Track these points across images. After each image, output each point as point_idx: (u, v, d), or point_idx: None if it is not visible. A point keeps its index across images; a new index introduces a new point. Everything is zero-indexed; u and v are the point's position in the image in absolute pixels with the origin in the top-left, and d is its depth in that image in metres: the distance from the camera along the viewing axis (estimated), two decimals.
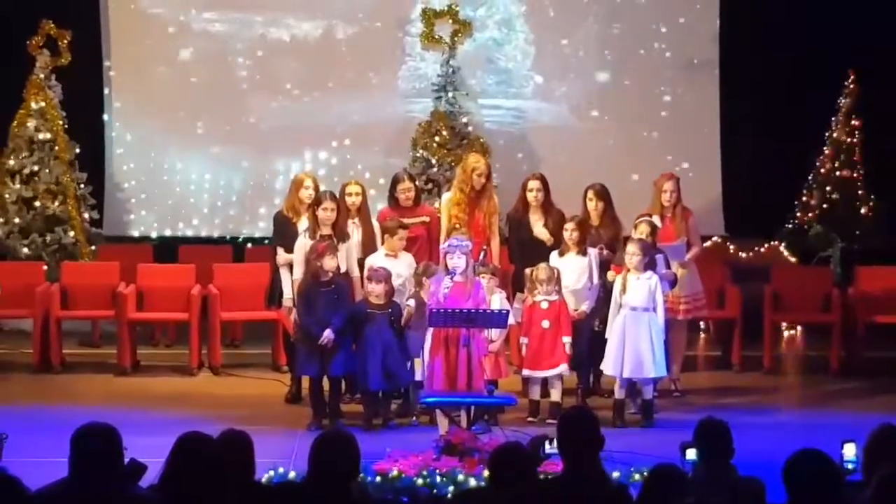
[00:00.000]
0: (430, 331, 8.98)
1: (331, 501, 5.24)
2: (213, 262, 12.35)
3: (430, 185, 13.64)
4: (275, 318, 11.06)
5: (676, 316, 10.58)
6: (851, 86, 14.16)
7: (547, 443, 6.54)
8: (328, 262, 9.60)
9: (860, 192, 14.25)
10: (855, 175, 14.25)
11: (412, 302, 9.63)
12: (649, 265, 9.79)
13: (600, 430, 5.46)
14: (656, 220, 10.46)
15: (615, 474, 7.41)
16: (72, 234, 13.64)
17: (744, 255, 14.23)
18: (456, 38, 14.20)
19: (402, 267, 10.00)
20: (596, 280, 10.15)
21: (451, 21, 14.21)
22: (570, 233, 10.13)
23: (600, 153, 14.57)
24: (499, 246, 10.58)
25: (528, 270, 10.04)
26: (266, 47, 14.85)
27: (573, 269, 10.09)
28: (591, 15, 14.94)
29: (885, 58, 13.84)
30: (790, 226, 14.42)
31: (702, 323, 12.96)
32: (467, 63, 14.45)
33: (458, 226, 10.07)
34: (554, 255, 10.18)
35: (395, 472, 7.99)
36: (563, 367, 9.85)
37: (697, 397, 10.75)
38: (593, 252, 10.20)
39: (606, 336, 9.89)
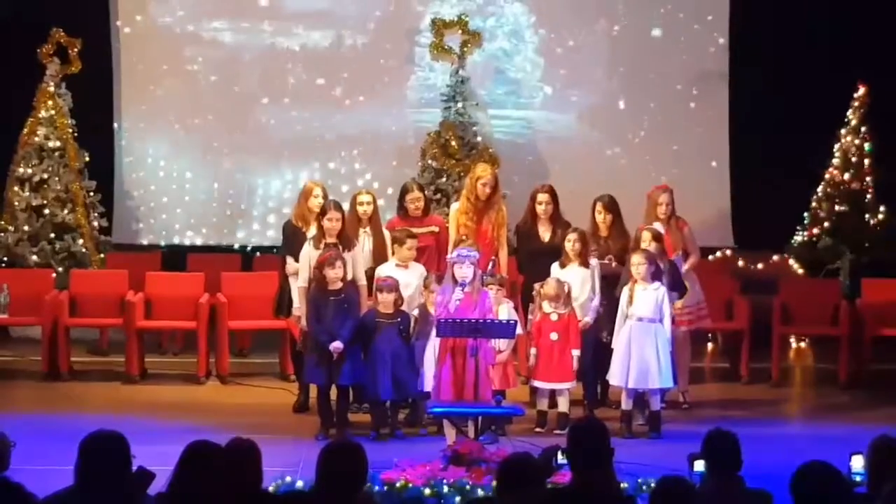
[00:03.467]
0: (437, 340, 8.98)
1: None
2: (221, 271, 12.35)
3: (438, 196, 13.64)
4: (283, 327, 11.06)
5: (679, 327, 10.54)
6: (862, 97, 14.13)
7: (559, 453, 6.52)
8: (329, 273, 9.59)
9: (869, 203, 14.22)
10: (864, 186, 14.21)
11: (416, 312, 9.65)
12: (656, 275, 9.78)
13: (610, 440, 5.46)
14: (658, 226, 10.41)
15: (623, 485, 7.39)
16: (81, 241, 13.65)
17: (752, 266, 14.20)
18: (465, 49, 14.20)
19: (412, 277, 10.00)
20: (598, 291, 10.13)
21: (460, 31, 14.21)
22: (571, 244, 10.09)
23: (609, 164, 14.57)
24: (507, 256, 10.58)
25: (536, 285, 10.02)
26: (275, 56, 14.86)
27: (575, 281, 10.07)
28: (601, 26, 14.94)
29: (894, 68, 13.82)
30: (799, 238, 14.38)
31: (710, 334, 12.93)
32: (477, 73, 14.45)
33: (465, 237, 10.05)
34: (555, 266, 10.14)
35: (402, 482, 8.00)
36: (573, 384, 9.88)
37: (705, 409, 10.73)
38: (595, 263, 10.19)
39: (613, 347, 9.89)
